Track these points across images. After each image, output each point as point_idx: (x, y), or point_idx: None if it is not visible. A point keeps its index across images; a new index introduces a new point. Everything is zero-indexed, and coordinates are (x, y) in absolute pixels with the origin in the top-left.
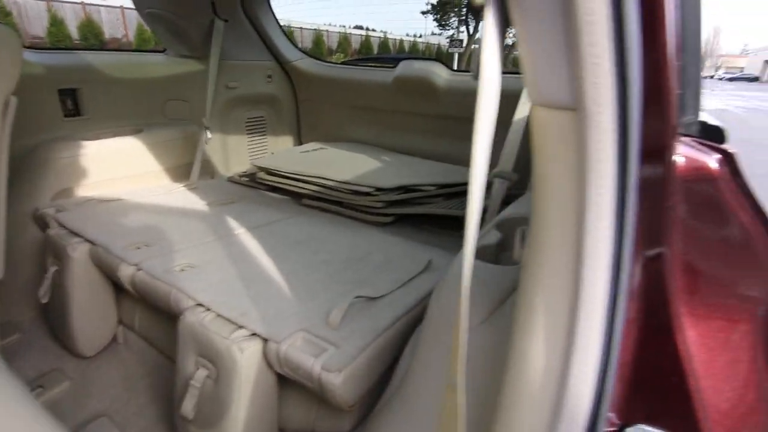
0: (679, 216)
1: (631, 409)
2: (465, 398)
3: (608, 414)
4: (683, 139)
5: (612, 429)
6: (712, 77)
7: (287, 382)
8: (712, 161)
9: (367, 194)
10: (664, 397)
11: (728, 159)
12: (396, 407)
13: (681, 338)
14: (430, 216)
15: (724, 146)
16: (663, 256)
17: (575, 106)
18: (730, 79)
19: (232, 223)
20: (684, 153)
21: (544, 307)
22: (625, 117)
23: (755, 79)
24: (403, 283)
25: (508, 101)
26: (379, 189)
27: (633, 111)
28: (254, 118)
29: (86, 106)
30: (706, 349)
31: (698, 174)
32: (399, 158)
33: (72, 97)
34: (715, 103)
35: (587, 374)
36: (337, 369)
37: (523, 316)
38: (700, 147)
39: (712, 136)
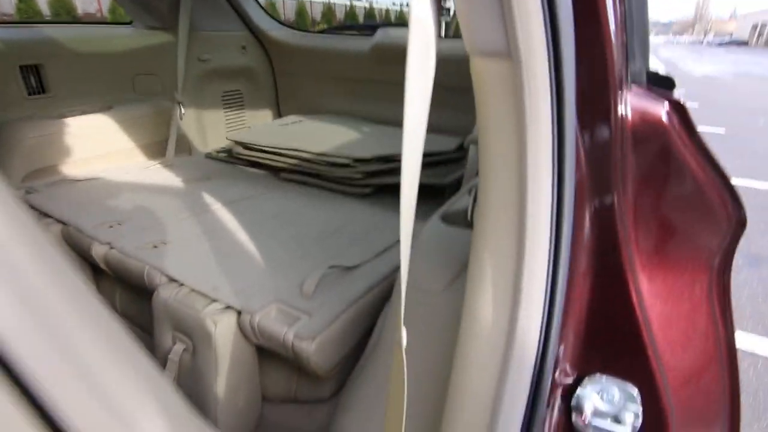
0: (630, 166)
1: (587, 361)
2: (404, 354)
3: (564, 365)
4: (632, 88)
5: (569, 380)
6: (701, 42)
7: (266, 353)
8: (661, 110)
9: (345, 166)
10: (620, 348)
11: (678, 108)
12: (368, 373)
13: (634, 289)
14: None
15: (673, 95)
16: (613, 206)
17: (509, 54)
18: (720, 44)
19: (208, 199)
20: (632, 102)
21: (492, 262)
22: (559, 64)
23: (744, 44)
24: (378, 252)
25: None
26: (356, 160)
27: (566, 58)
28: (230, 91)
29: (51, 83)
30: (660, 300)
31: (647, 123)
32: (378, 129)
33: (35, 73)
34: (704, 69)
35: (532, 326)
36: (309, 337)
37: (473, 272)
38: (649, 96)
39: (661, 85)
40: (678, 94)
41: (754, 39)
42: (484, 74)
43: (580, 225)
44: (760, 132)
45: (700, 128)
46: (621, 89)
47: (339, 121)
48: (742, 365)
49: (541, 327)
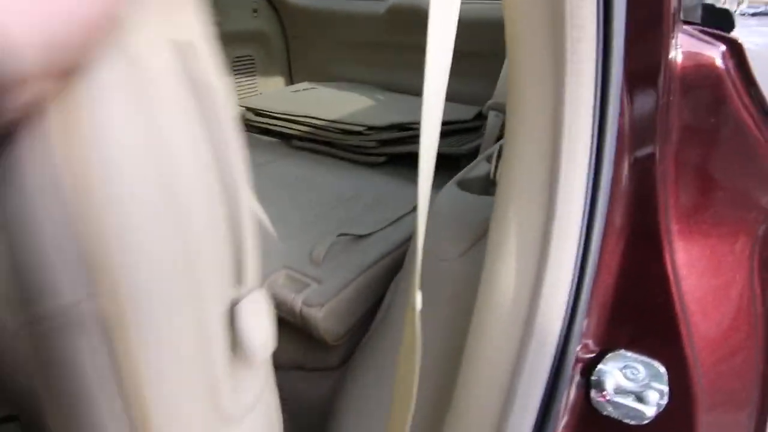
0: (676, 116)
1: (612, 335)
2: (417, 319)
3: (587, 340)
4: (684, 27)
5: (590, 355)
6: (734, 12)
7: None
8: (716, 56)
9: (359, 133)
10: (648, 322)
11: (735, 51)
12: (378, 341)
13: (670, 258)
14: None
15: (731, 36)
16: (654, 161)
17: None
18: (753, 14)
19: None
20: (684, 42)
21: (517, 224)
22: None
23: None
24: (391, 221)
25: (501, 30)
26: (370, 128)
27: None
28: (242, 57)
29: None
30: (697, 271)
31: (700, 70)
32: (393, 96)
33: None
34: None
35: (559, 295)
36: (318, 304)
37: (495, 237)
38: (703, 37)
39: (718, 22)
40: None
41: None
42: (519, 4)
43: (617, 180)
44: None
45: None
46: (673, 27)
47: (353, 89)
48: None
49: (569, 296)
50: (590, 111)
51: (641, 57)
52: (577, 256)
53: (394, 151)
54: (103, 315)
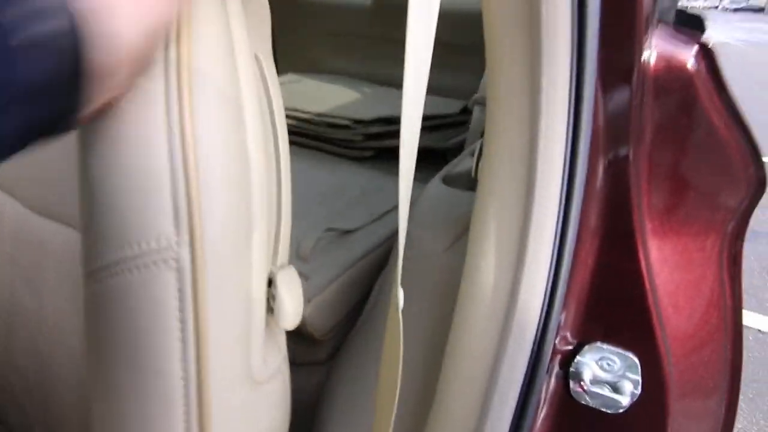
0: (649, 117)
1: (589, 329)
2: (400, 316)
3: (565, 333)
4: (659, 28)
5: (568, 348)
6: (716, 7)
7: None
8: (688, 56)
9: (346, 127)
10: (623, 316)
11: (706, 53)
12: (364, 336)
13: (643, 254)
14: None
15: (702, 38)
16: (627, 161)
17: None
18: (735, 10)
19: None
20: (657, 44)
21: (497, 220)
22: None
23: (760, 10)
24: (378, 216)
25: None
26: (357, 121)
27: None
28: None
29: None
30: (669, 266)
31: (672, 71)
32: (379, 89)
33: None
34: (717, 36)
35: (536, 289)
36: (305, 299)
37: (476, 232)
38: (676, 38)
39: (690, 24)
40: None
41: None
42: (497, 6)
43: (591, 181)
44: None
45: None
46: (647, 28)
47: (339, 81)
48: None
49: (546, 292)
50: (565, 112)
51: (615, 58)
52: (552, 254)
53: (381, 144)
54: (187, 259)
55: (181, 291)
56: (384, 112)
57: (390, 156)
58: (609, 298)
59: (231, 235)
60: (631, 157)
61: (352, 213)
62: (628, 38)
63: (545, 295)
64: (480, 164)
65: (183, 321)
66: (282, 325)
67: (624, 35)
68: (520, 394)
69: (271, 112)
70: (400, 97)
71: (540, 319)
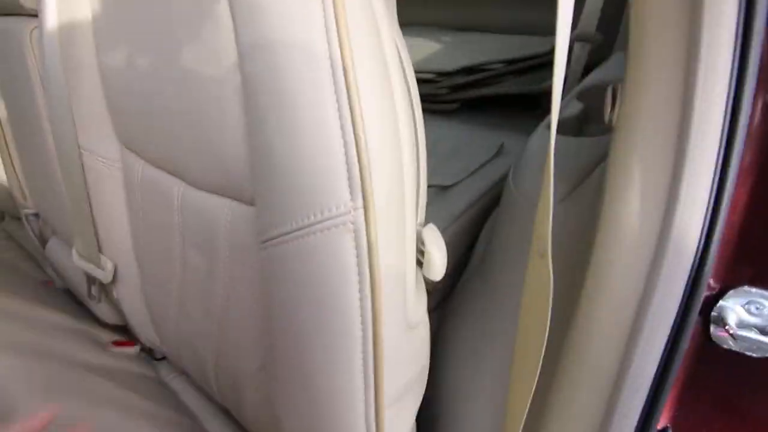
0: None
1: (734, 272)
2: (550, 266)
3: (708, 279)
4: None
5: (711, 293)
6: None
7: None
8: None
9: (430, 81)
10: None
11: None
12: (476, 284)
13: None
14: (500, 97)
15: None
16: None
17: None
18: None
19: None
20: None
21: (642, 165)
22: None
23: None
24: (473, 170)
25: None
26: (441, 74)
27: None
28: None
29: None
30: None
31: None
32: (460, 36)
33: None
34: None
35: (690, 236)
36: None
37: (616, 179)
38: None
39: None
40: None
41: None
42: None
43: (753, 119)
44: None
45: None
46: None
47: (415, 32)
48: None
49: (701, 234)
50: (731, 44)
51: None
52: (710, 196)
53: (466, 95)
54: (362, 222)
55: (358, 250)
56: (467, 60)
57: (476, 107)
58: (758, 239)
59: (393, 196)
60: None
61: (448, 169)
62: None
63: (700, 238)
64: (620, 109)
65: (361, 276)
66: (431, 276)
67: None
68: (668, 341)
69: (404, 71)
70: (481, 42)
71: (693, 263)
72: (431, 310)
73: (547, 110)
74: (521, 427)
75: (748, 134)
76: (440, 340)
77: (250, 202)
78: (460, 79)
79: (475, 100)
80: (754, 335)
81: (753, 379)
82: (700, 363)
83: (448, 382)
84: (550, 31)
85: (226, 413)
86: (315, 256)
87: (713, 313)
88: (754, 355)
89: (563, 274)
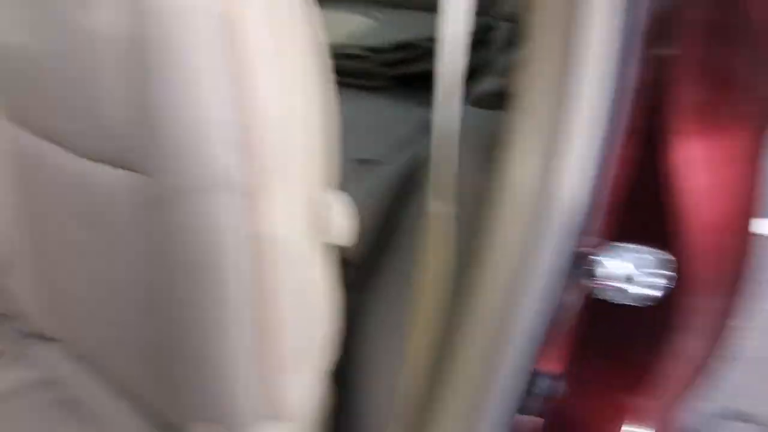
0: (694, 14)
1: (618, 228)
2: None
3: (595, 234)
4: None
5: (591, 248)
6: None
7: None
8: None
9: (360, 57)
10: (653, 215)
11: None
12: (395, 259)
13: (679, 154)
14: (432, 74)
15: None
16: (671, 58)
17: None
18: None
19: None
20: None
21: (531, 125)
22: None
23: None
24: (402, 144)
25: None
26: (372, 50)
27: None
28: None
29: None
30: (707, 165)
31: None
32: (391, 13)
33: None
34: None
35: (568, 187)
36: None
37: (511, 139)
38: None
39: None
40: None
41: None
42: None
43: (630, 79)
44: None
45: None
46: None
47: (348, 7)
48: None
49: (579, 189)
50: (603, 14)
51: None
52: (587, 151)
53: (398, 72)
54: (250, 185)
55: (245, 212)
56: (400, 37)
57: (410, 84)
58: (640, 197)
59: (287, 159)
60: (675, 54)
61: (373, 143)
62: None
63: (577, 193)
64: (517, 76)
65: (248, 239)
66: (335, 241)
67: None
68: (547, 289)
69: (313, 37)
70: (412, 20)
71: (572, 217)
72: (354, 283)
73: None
74: (418, 360)
75: (626, 94)
76: (365, 314)
77: (136, 168)
78: (391, 56)
79: (407, 76)
80: (634, 288)
81: (629, 326)
82: (585, 314)
83: (370, 355)
84: (485, 11)
85: (121, 394)
86: (200, 219)
87: (599, 268)
88: (633, 304)
89: (471, 236)
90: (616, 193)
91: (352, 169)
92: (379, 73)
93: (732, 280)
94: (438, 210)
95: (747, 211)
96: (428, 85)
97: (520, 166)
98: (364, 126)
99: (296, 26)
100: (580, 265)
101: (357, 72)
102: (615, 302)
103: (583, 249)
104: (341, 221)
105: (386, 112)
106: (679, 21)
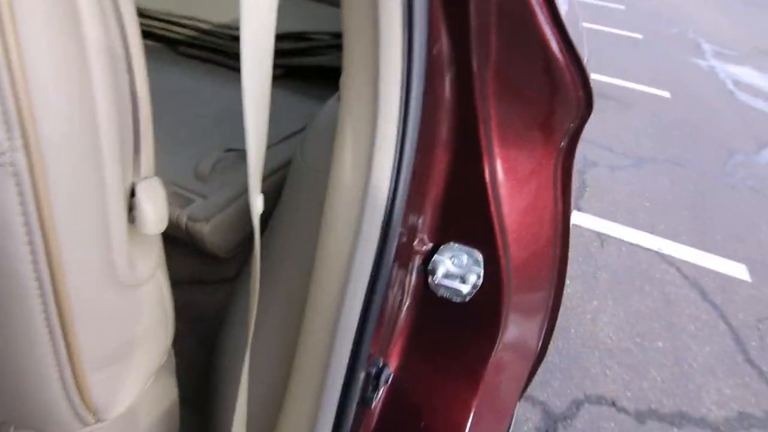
0: (492, 37)
1: (443, 230)
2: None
3: (423, 235)
4: None
5: (427, 248)
6: None
7: (169, 237)
8: None
9: None
10: (471, 219)
11: None
12: (267, 251)
13: (489, 164)
14: (326, 68)
15: None
16: (472, 76)
17: None
18: None
19: None
20: None
21: (353, 127)
22: None
23: None
24: (283, 137)
25: None
26: None
27: None
28: None
29: None
30: (512, 176)
31: None
32: (291, 3)
33: None
34: None
35: (382, 187)
36: (204, 218)
37: (338, 139)
38: None
39: None
40: None
41: None
42: None
43: (435, 94)
44: (671, 40)
45: (625, 33)
46: None
47: None
48: (609, 250)
49: (388, 196)
50: (399, 37)
51: None
52: (395, 158)
53: (291, 63)
54: (23, 163)
55: (22, 196)
56: (296, 26)
57: (300, 75)
58: (459, 203)
59: (76, 139)
60: (475, 73)
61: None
62: None
63: (389, 195)
64: (341, 80)
65: (29, 226)
66: (143, 231)
67: None
68: (371, 275)
69: (117, 11)
70: (311, 13)
71: (385, 216)
72: (230, 279)
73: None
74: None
75: (434, 108)
76: (230, 309)
77: None
78: (286, 46)
79: (302, 69)
80: (456, 284)
81: (460, 322)
82: (422, 311)
83: (230, 354)
84: None
85: None
86: None
87: (429, 267)
88: (458, 299)
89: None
90: (438, 199)
91: (231, 159)
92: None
93: (548, 274)
94: (257, 205)
95: (552, 213)
96: (323, 79)
97: (342, 167)
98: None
99: (83, 13)
100: (407, 263)
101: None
102: (442, 297)
103: (408, 248)
104: (149, 209)
105: (277, 104)
106: (481, 44)
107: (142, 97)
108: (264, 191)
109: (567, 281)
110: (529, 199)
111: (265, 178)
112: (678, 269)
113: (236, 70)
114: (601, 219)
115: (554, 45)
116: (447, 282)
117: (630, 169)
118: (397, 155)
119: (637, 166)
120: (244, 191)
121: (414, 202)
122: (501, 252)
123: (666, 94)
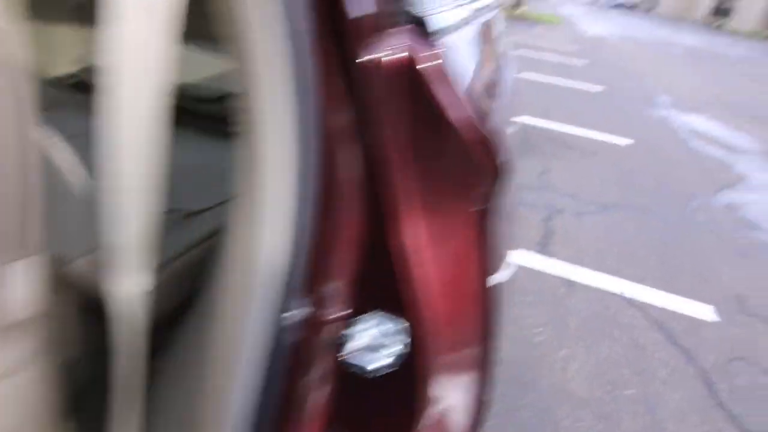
0: (392, 111)
1: (361, 300)
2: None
3: (338, 306)
4: (390, 29)
5: (342, 318)
6: (596, 2)
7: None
8: (418, 54)
9: (214, 100)
10: (392, 287)
11: (433, 54)
12: (189, 325)
13: (408, 233)
14: None
15: (431, 40)
16: (379, 149)
17: None
18: (614, 6)
19: (48, 133)
20: (388, 44)
21: (248, 203)
22: None
23: (633, 7)
24: (226, 198)
25: None
26: (227, 96)
27: None
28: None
29: None
30: (432, 242)
31: (404, 68)
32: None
33: None
34: (596, 30)
35: (275, 261)
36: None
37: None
38: (406, 39)
39: (419, 27)
40: (439, 41)
41: (641, 2)
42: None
43: (335, 167)
44: (630, 91)
45: (587, 86)
46: (375, 31)
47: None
48: (577, 295)
49: (286, 260)
50: (286, 118)
51: (346, 54)
52: (284, 228)
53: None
54: None
55: None
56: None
57: None
58: (379, 272)
59: None
60: (381, 145)
61: (203, 193)
62: (358, 37)
63: (286, 271)
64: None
65: None
66: (9, 314)
67: (355, 33)
68: (268, 357)
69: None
70: None
71: (279, 287)
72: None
73: None
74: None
75: (336, 182)
76: (165, 373)
77: None
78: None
79: None
80: (372, 356)
81: (371, 395)
82: (335, 384)
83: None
84: None
85: None
86: None
87: (347, 337)
88: (369, 370)
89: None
90: (359, 270)
91: (172, 220)
92: (228, 118)
93: (471, 334)
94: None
95: (473, 275)
96: None
97: (241, 241)
98: (202, 175)
99: None
100: (322, 337)
101: (210, 116)
102: (363, 370)
103: (328, 320)
104: (23, 295)
105: (229, 162)
106: (381, 117)
107: (33, 177)
108: (197, 255)
109: (539, 329)
110: (449, 261)
111: (198, 243)
112: (645, 313)
113: (197, 127)
114: (569, 264)
115: (455, 114)
116: (362, 354)
117: (595, 215)
118: (295, 227)
119: (602, 212)
120: (177, 255)
121: (322, 276)
122: (424, 316)
123: (627, 141)
